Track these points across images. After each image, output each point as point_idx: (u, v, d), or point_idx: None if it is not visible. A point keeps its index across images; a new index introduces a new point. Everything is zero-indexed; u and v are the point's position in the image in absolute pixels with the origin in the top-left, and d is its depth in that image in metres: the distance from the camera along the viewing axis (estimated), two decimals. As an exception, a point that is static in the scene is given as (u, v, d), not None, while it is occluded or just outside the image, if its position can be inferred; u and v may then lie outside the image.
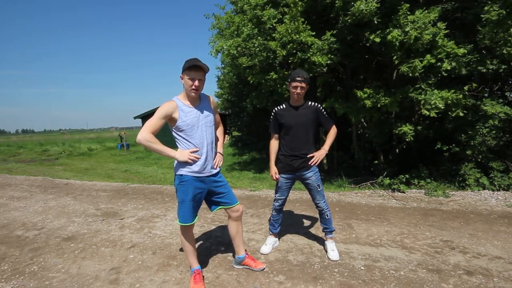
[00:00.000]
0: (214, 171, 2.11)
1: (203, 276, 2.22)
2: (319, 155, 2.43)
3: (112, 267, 2.45)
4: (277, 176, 2.53)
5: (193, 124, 1.96)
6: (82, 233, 3.26)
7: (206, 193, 2.11)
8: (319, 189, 2.48)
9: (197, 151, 1.99)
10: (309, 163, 2.42)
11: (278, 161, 2.55)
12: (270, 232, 2.77)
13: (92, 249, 2.83)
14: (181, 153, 1.95)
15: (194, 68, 1.89)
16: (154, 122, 1.88)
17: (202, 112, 2.02)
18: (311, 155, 2.43)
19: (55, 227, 3.51)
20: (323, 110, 2.46)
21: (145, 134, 1.85)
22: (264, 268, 2.32)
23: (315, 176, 2.46)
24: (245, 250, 2.39)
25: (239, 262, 2.35)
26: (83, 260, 2.60)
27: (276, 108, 2.53)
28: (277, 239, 2.82)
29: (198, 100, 2.04)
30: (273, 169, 2.55)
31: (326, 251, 2.58)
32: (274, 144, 2.59)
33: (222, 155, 2.28)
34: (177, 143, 2.03)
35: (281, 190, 2.56)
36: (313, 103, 2.46)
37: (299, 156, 2.43)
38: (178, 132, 1.98)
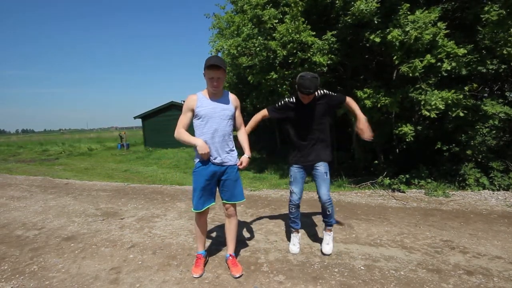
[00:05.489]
0: (228, 163, 2.22)
1: (206, 262, 2.40)
2: (365, 124, 2.33)
3: (112, 267, 2.45)
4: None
5: (207, 114, 2.11)
6: (82, 233, 3.26)
7: (216, 183, 2.24)
8: (325, 177, 2.42)
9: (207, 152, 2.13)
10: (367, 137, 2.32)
11: (291, 152, 2.53)
12: (293, 229, 2.67)
13: (92, 249, 2.82)
14: (201, 146, 2.09)
15: (212, 68, 2.03)
16: (181, 118, 2.15)
17: (220, 106, 2.16)
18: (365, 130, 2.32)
19: (55, 227, 3.51)
20: (331, 93, 2.40)
21: (177, 129, 2.15)
22: (240, 276, 2.22)
23: (324, 164, 2.47)
24: (232, 252, 2.37)
25: (225, 260, 2.40)
26: (83, 260, 2.60)
27: (287, 99, 2.47)
28: (300, 234, 2.74)
29: (219, 95, 2.18)
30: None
31: (321, 244, 2.59)
32: (257, 118, 2.56)
33: (249, 158, 2.39)
34: (195, 129, 2.20)
35: (296, 182, 2.52)
36: (321, 94, 2.38)
37: (312, 149, 2.44)
38: (195, 120, 2.17)
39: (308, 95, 2.29)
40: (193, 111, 2.13)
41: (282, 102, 2.49)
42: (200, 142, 2.09)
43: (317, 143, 2.44)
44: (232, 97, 2.26)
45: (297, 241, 2.66)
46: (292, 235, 2.69)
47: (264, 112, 2.55)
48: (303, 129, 2.43)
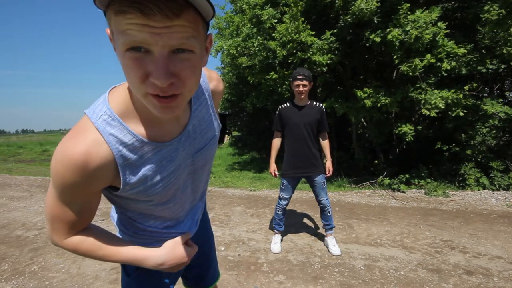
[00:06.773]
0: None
1: None
2: (331, 166, 2.57)
3: (112, 267, 2.45)
4: (276, 173, 2.59)
5: (163, 193, 0.72)
6: (82, 233, 3.26)
7: None
8: (324, 186, 2.53)
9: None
10: (327, 175, 2.54)
11: (285, 160, 2.58)
12: (276, 231, 2.77)
13: (92, 249, 2.82)
14: (169, 255, 0.75)
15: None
16: (60, 211, 0.62)
17: (189, 146, 0.72)
18: (328, 169, 2.55)
19: (55, 227, 3.51)
20: (325, 114, 2.53)
21: (62, 241, 0.67)
22: None
23: (321, 175, 2.54)
24: None
25: None
26: (83, 260, 2.60)
27: (280, 106, 2.58)
28: (281, 235, 2.85)
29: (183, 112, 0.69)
30: (273, 166, 2.61)
31: (328, 247, 2.62)
32: (276, 142, 2.64)
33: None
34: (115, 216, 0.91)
35: (287, 189, 2.60)
36: (318, 104, 2.52)
37: (305, 155, 2.47)
38: (121, 200, 0.74)
39: (301, 82, 2.36)
40: (101, 189, 0.66)
41: (277, 112, 2.60)
42: (163, 257, 0.75)
43: (310, 152, 2.49)
44: (210, 89, 0.77)
45: (278, 241, 2.74)
46: (274, 236, 2.79)
47: (275, 135, 2.65)
48: (297, 133, 2.47)
